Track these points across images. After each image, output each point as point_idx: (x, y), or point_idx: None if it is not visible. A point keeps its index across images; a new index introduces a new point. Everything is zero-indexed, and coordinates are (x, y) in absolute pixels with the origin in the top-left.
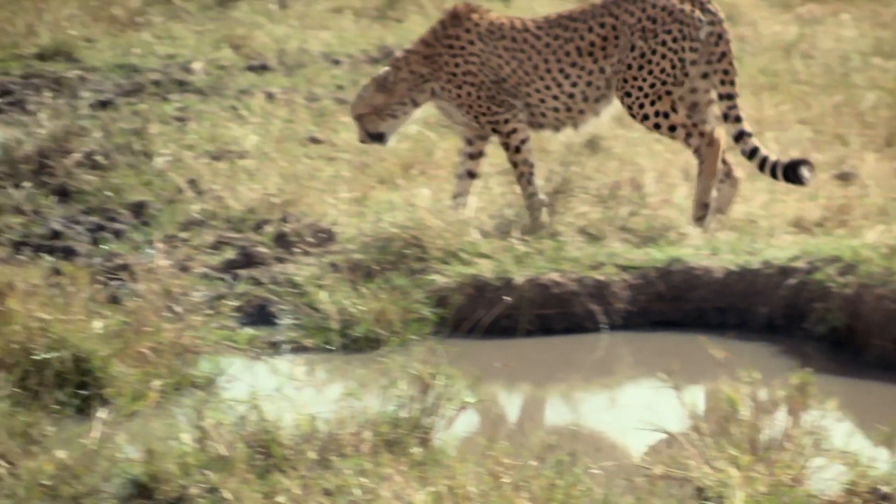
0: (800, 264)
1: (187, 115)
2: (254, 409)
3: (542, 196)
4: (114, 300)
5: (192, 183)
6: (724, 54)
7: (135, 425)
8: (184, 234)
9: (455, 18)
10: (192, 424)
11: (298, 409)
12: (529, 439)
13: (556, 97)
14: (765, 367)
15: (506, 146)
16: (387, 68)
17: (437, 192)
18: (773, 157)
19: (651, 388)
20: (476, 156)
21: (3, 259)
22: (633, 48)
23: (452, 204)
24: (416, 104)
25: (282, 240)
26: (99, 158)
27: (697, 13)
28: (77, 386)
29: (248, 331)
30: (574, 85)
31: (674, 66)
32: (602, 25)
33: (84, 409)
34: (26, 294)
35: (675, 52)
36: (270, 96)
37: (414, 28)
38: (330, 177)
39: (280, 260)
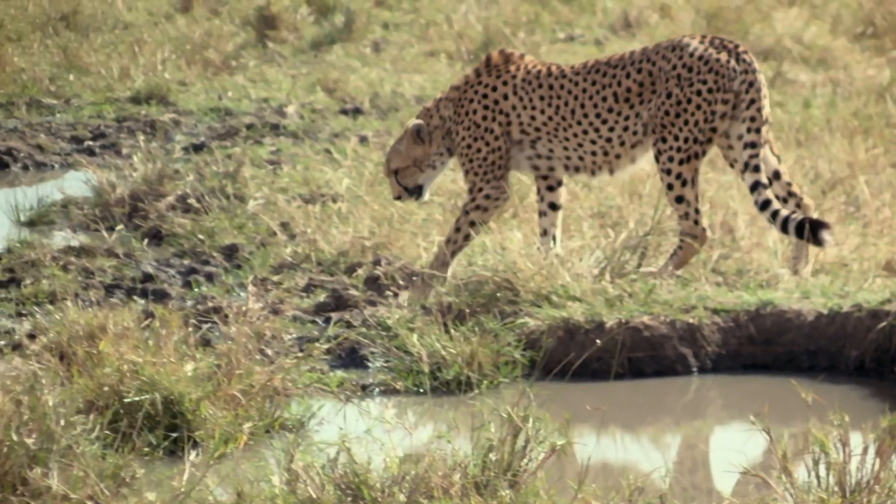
0: (891, 307)
1: (280, 158)
2: (344, 452)
3: (448, 274)
4: (205, 343)
5: (285, 226)
6: (752, 101)
7: (225, 468)
8: (276, 277)
9: (491, 68)
10: (282, 467)
11: (388, 452)
12: (619, 482)
13: (593, 141)
14: (854, 410)
15: (465, 212)
16: (417, 120)
17: (529, 236)
18: (784, 212)
19: (741, 431)
20: (555, 187)
21: (95, 302)
22: (669, 95)
23: (540, 242)
24: (451, 153)
25: (373, 283)
26: (192, 202)
27: (732, 63)
28: (168, 428)
29: (339, 373)
30: (611, 130)
31: (706, 120)
32: (639, 71)
33: (174, 452)
34: (118, 337)
35: (709, 103)
36: (363, 139)
37: None
38: (422, 220)
39: (371, 303)
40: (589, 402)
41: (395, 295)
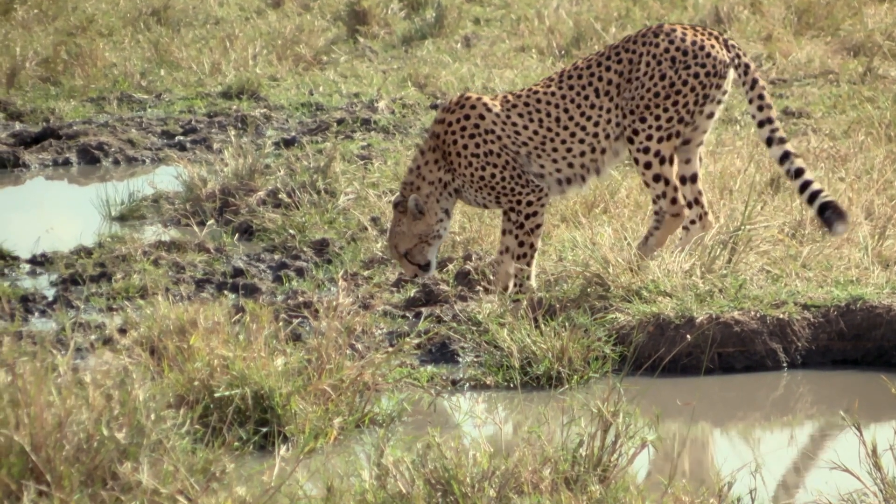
0: None
1: (371, 153)
2: (434, 447)
3: (533, 283)
4: (296, 338)
5: (375, 221)
6: (755, 81)
7: (315, 462)
8: (366, 272)
9: (458, 105)
10: (372, 462)
11: (478, 447)
12: (709, 477)
13: (581, 140)
14: None
15: (519, 226)
16: (408, 196)
17: (619, 231)
18: (816, 186)
19: (831, 426)
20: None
21: (186, 296)
22: (662, 76)
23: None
24: (449, 214)
25: (464, 278)
26: (282, 196)
27: (724, 53)
28: (258, 423)
29: (429, 368)
30: (596, 125)
31: (696, 103)
32: (619, 62)
33: (264, 447)
34: (208, 331)
35: (703, 86)
36: None
37: None
38: None
39: (462, 298)
40: (679, 397)
41: (486, 290)
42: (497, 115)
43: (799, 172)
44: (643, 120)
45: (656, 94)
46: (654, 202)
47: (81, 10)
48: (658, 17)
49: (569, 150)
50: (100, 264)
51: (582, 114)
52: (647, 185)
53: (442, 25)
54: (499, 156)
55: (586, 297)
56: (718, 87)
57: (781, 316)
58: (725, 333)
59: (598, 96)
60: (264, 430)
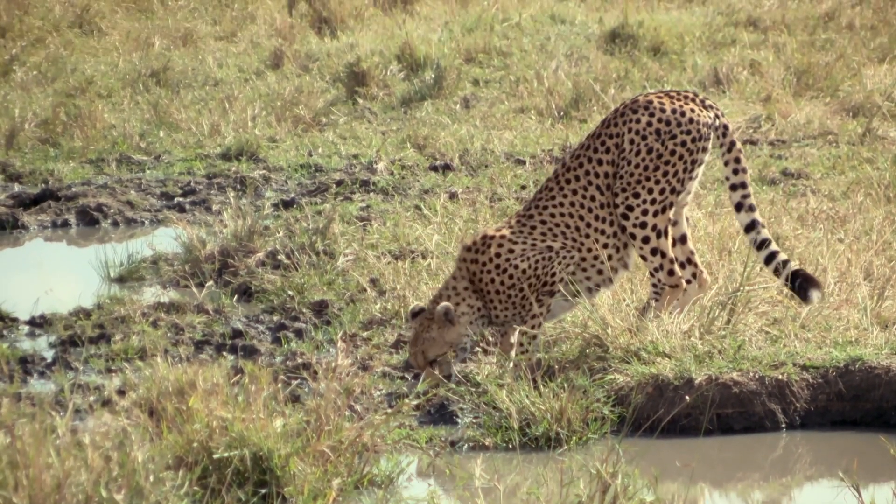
0: None
1: (370, 214)
2: None
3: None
4: (294, 399)
5: (374, 282)
6: (732, 144)
7: None
8: (365, 333)
9: (485, 245)
10: None
11: None
12: None
13: (605, 245)
14: None
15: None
16: (442, 304)
17: (619, 292)
18: (783, 256)
19: (830, 487)
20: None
21: (185, 358)
22: (650, 150)
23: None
24: (473, 335)
25: None
26: (281, 258)
27: (705, 114)
28: (257, 484)
29: (428, 429)
30: (612, 224)
31: (685, 170)
32: (608, 151)
33: None
34: (207, 393)
35: (691, 153)
36: (453, 196)
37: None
38: None
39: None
40: (678, 458)
41: (484, 352)
42: (518, 237)
43: (764, 243)
44: (637, 195)
45: (646, 168)
46: (652, 275)
47: (80, 72)
48: (657, 79)
49: (596, 258)
50: (99, 326)
51: (597, 217)
52: (644, 258)
53: (441, 87)
54: (525, 261)
55: (585, 358)
56: (704, 150)
57: (780, 377)
58: (724, 394)
59: (602, 193)
60: (263, 491)
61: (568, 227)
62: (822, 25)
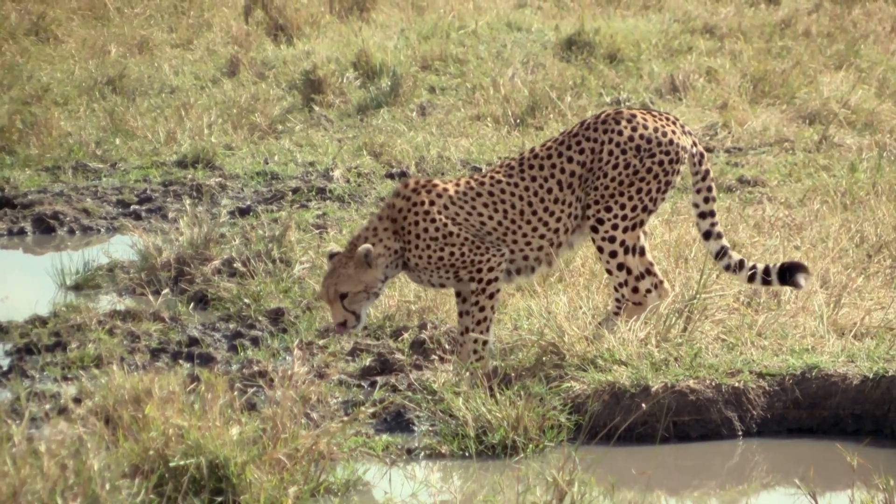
0: None
1: (326, 222)
2: None
3: (490, 348)
4: (251, 407)
5: None
6: (707, 172)
7: None
8: (321, 341)
9: (415, 190)
10: None
11: None
12: None
13: (542, 236)
14: None
15: (480, 291)
16: (363, 245)
17: (575, 300)
18: (761, 265)
19: (787, 494)
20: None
21: (141, 366)
22: (626, 165)
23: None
24: (388, 280)
25: (419, 347)
26: (238, 266)
27: (684, 139)
28: (213, 492)
29: (385, 437)
30: (558, 220)
31: (659, 190)
32: (581, 152)
33: None
34: (163, 401)
35: (667, 174)
36: None
37: (554, 135)
38: None
39: (417, 367)
40: (635, 466)
41: (441, 359)
42: (460, 198)
43: (741, 264)
44: (608, 209)
45: (621, 183)
46: (616, 290)
47: (37, 80)
48: (613, 86)
49: (528, 244)
50: (55, 333)
51: (545, 209)
52: (609, 272)
53: (397, 94)
54: (458, 235)
55: (542, 365)
56: (678, 173)
57: (737, 384)
58: (681, 402)
59: (560, 189)
60: (219, 499)
61: (513, 207)
62: (779, 33)
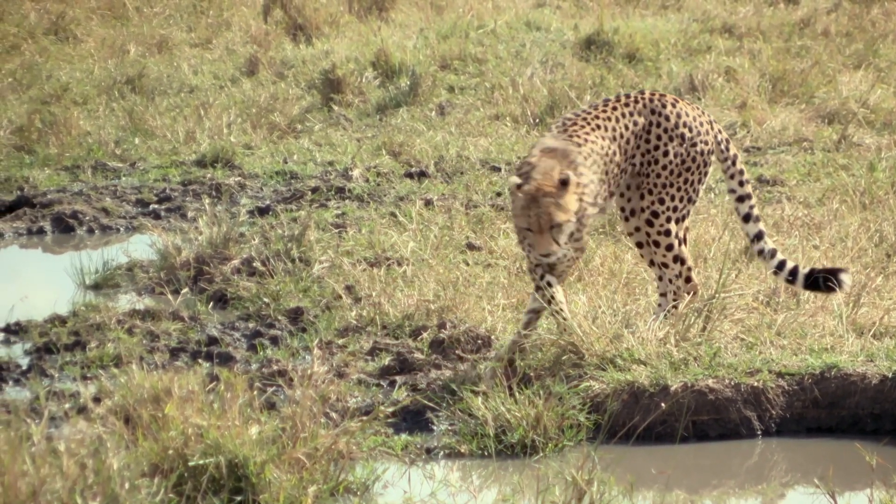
0: None
1: (346, 221)
2: None
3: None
4: (270, 406)
5: (350, 289)
6: (736, 157)
7: None
8: (341, 341)
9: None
10: None
11: None
12: None
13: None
14: None
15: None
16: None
17: (594, 299)
18: (791, 263)
19: (806, 494)
20: None
21: (160, 365)
22: (676, 155)
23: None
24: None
25: (438, 346)
26: (257, 265)
27: (714, 128)
28: (232, 492)
29: (404, 437)
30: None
31: (700, 181)
32: (635, 124)
33: None
34: (183, 400)
35: (706, 164)
36: (429, 203)
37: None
38: (487, 283)
39: (436, 366)
40: (654, 465)
41: (460, 358)
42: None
43: (773, 254)
44: (662, 201)
45: (671, 173)
46: (671, 282)
47: (56, 79)
48: (633, 85)
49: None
50: (74, 333)
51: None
52: (665, 266)
53: (416, 93)
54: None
55: (561, 365)
56: (710, 164)
57: (756, 384)
58: (700, 401)
59: (620, 151)
60: (239, 498)
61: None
62: (798, 32)
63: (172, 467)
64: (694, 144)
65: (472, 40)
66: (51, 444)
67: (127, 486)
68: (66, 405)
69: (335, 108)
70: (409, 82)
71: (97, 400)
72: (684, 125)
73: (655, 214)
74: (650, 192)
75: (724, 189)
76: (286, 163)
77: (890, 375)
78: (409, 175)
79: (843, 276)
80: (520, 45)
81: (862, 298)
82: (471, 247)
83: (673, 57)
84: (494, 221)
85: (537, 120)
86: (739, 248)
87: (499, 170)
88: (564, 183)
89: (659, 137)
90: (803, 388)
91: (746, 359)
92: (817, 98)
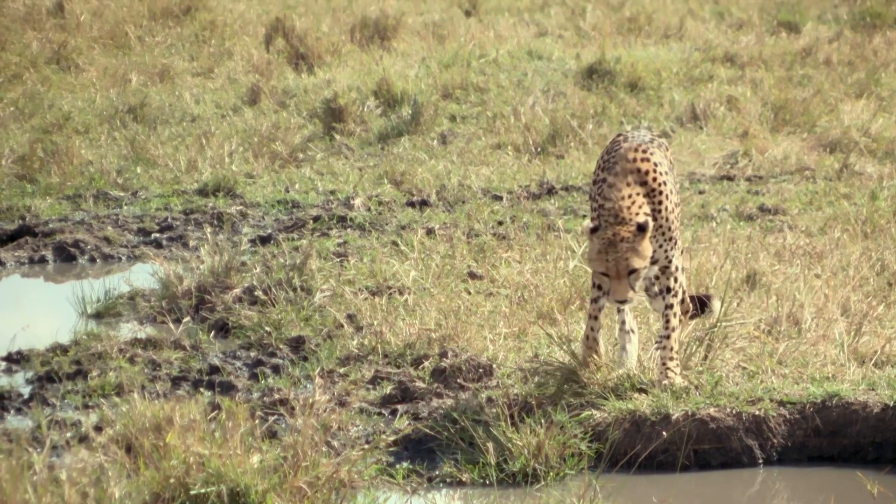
0: None
1: (347, 250)
2: None
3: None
4: (272, 435)
5: (352, 318)
6: None
7: None
8: (342, 369)
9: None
10: None
11: None
12: None
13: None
14: None
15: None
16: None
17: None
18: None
19: None
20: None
21: (162, 394)
22: (674, 193)
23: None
24: None
25: (440, 375)
26: (258, 294)
27: None
28: None
29: (405, 465)
30: None
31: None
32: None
33: None
34: (184, 429)
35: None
36: (430, 232)
37: (575, 164)
38: (489, 312)
39: (438, 395)
40: (655, 494)
41: (462, 387)
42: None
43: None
44: (670, 240)
45: (675, 207)
46: (678, 308)
47: (58, 108)
48: (634, 114)
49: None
50: (76, 362)
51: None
52: (675, 294)
53: (418, 122)
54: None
55: (562, 393)
56: None
57: (757, 412)
58: (701, 430)
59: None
60: None
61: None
62: (800, 61)
63: (174, 496)
64: (675, 180)
65: (473, 69)
66: (52, 473)
67: None
68: (68, 434)
69: (337, 136)
70: (410, 111)
71: (98, 429)
72: (669, 162)
73: (668, 251)
74: (669, 229)
75: (725, 218)
76: (288, 192)
77: (891, 404)
78: (411, 204)
79: (714, 303)
80: (521, 74)
81: (863, 327)
82: (472, 275)
83: (675, 86)
84: (496, 250)
85: (539, 149)
86: (741, 276)
87: (501, 199)
88: (642, 228)
89: (666, 174)
90: (805, 417)
91: (748, 387)
92: (819, 127)
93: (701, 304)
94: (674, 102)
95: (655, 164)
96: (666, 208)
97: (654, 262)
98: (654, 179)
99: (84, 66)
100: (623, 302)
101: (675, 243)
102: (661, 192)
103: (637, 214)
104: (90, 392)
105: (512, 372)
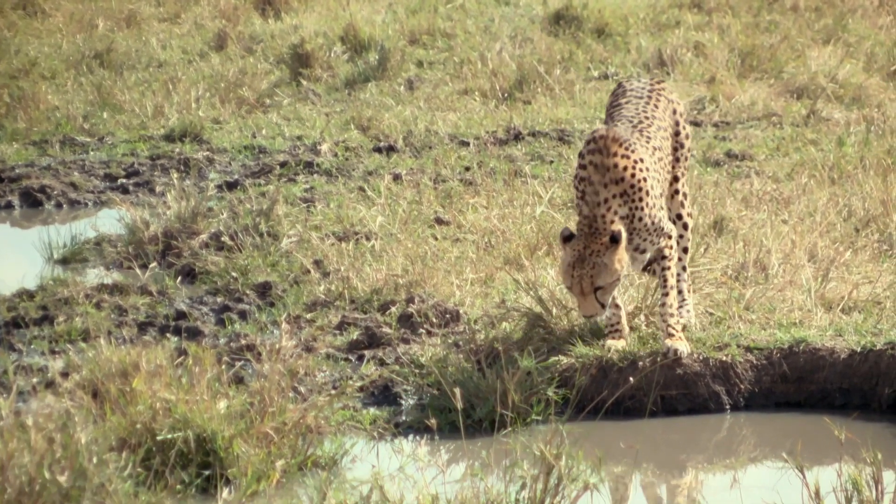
0: None
1: (314, 196)
2: (377, 490)
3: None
4: (238, 381)
5: (318, 264)
6: None
7: None
8: (309, 315)
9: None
10: None
11: (421, 490)
12: None
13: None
14: (887, 448)
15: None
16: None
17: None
18: None
19: (774, 468)
20: None
21: (128, 339)
22: (685, 134)
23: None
24: None
25: (407, 320)
26: (225, 239)
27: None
28: (200, 466)
29: (372, 411)
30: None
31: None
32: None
33: (207, 490)
34: (151, 374)
35: None
36: (397, 177)
37: (542, 110)
38: (455, 258)
39: (405, 341)
40: (622, 440)
41: (429, 333)
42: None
43: None
44: (676, 179)
45: (690, 151)
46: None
47: (24, 54)
48: (601, 61)
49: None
50: (42, 307)
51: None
52: (672, 259)
53: (385, 68)
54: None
55: (529, 339)
56: None
57: (724, 358)
58: (668, 376)
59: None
60: (207, 472)
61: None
62: (767, 7)
63: (140, 442)
64: (685, 122)
65: (441, 15)
66: (19, 419)
67: (95, 460)
68: (34, 380)
69: (304, 82)
70: (377, 57)
71: (65, 374)
72: (677, 104)
73: (677, 191)
74: (683, 175)
75: (692, 164)
76: (255, 137)
77: (858, 350)
78: (378, 150)
79: None
80: (489, 19)
81: (831, 273)
82: (439, 221)
83: (642, 32)
84: (463, 196)
85: (506, 95)
86: (708, 222)
87: (467, 144)
88: (615, 240)
89: (679, 118)
90: (772, 363)
91: (715, 333)
92: (786, 73)
93: None
94: (641, 48)
95: (635, 162)
96: (647, 205)
97: (643, 251)
98: (633, 176)
99: (50, 11)
100: (591, 317)
101: (662, 225)
102: (640, 189)
103: (612, 222)
104: (56, 338)
105: (479, 318)
